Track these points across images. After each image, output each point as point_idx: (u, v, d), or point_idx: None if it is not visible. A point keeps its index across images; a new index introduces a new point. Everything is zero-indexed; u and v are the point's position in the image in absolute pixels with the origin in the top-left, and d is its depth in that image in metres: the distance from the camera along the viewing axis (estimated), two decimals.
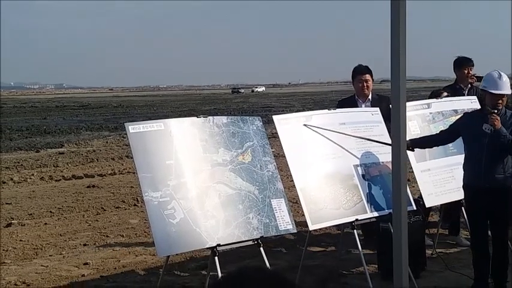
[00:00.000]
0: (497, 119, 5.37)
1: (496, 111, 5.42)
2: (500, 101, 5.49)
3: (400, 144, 2.50)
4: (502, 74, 5.54)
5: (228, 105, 56.49)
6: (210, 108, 50.60)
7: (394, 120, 2.52)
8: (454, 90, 7.57)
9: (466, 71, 7.61)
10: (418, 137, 6.30)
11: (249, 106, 53.78)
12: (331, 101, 56.37)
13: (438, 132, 6.19)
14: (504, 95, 5.48)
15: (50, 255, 7.75)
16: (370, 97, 7.23)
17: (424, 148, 6.25)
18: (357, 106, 7.04)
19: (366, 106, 7.07)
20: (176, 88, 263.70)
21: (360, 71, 7.28)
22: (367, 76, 7.20)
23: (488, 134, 5.41)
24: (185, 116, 5.90)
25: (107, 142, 22.46)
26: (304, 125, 5.99)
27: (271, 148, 9.70)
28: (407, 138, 6.15)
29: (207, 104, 62.62)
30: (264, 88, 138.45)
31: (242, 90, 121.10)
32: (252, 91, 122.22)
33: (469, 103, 6.97)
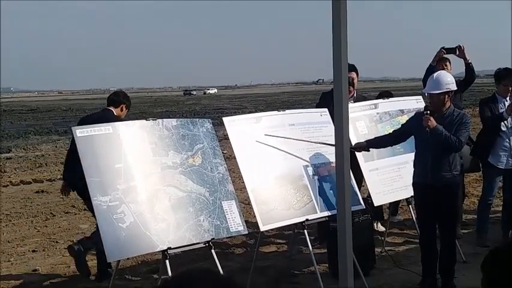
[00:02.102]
0: (429, 119, 5.51)
1: (428, 111, 5.57)
2: (430, 101, 5.67)
3: (343, 145, 2.54)
4: (436, 74, 5.72)
5: (180, 108, 56.17)
6: (162, 111, 50.21)
7: (337, 121, 2.56)
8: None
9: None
10: (365, 137, 6.41)
11: (201, 108, 53.64)
12: (282, 102, 56.75)
13: (391, 132, 6.30)
14: (433, 94, 5.62)
15: None
16: (355, 95, 7.33)
17: (379, 148, 6.36)
18: None
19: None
20: (127, 90, 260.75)
21: None
22: (353, 74, 7.28)
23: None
24: (136, 119, 5.85)
25: (56, 146, 22.06)
26: (266, 134, 6.01)
27: (224, 150, 9.71)
28: (356, 141, 6.32)
29: (158, 106, 62.13)
30: (216, 90, 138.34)
31: (194, 92, 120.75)
32: (204, 93, 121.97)
33: (415, 103, 7.13)
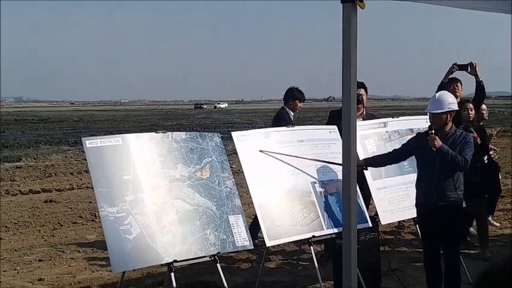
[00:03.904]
0: (435, 139, 5.50)
1: (432, 131, 5.56)
2: (432, 120, 5.66)
3: (350, 164, 2.55)
4: (438, 93, 5.73)
5: (190, 121, 56.35)
6: (172, 124, 50.39)
7: (344, 139, 2.57)
8: None
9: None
10: (374, 155, 6.41)
11: (212, 122, 53.78)
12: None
13: (391, 151, 6.29)
14: (435, 114, 5.62)
15: (4, 271, 7.60)
16: (364, 113, 7.36)
17: (377, 167, 6.34)
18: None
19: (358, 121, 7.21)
20: (138, 103, 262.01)
21: None
22: (362, 91, 7.33)
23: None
24: (146, 131, 5.90)
25: (65, 156, 22.17)
26: (260, 150, 6.03)
27: (233, 164, 9.72)
28: (361, 158, 6.32)
29: (169, 119, 62.36)
30: (226, 104, 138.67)
31: (205, 106, 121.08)
32: (215, 107, 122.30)
33: (425, 122, 7.11)
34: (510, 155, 16.67)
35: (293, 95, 8.14)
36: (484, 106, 8.21)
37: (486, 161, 7.58)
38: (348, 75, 2.49)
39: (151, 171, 5.39)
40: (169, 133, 5.70)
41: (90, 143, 5.20)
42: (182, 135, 5.79)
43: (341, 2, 2.46)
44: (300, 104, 8.21)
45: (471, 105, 7.42)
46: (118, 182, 5.14)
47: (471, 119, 7.35)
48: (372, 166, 6.23)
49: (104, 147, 5.22)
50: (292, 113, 8.08)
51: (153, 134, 5.62)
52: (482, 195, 7.74)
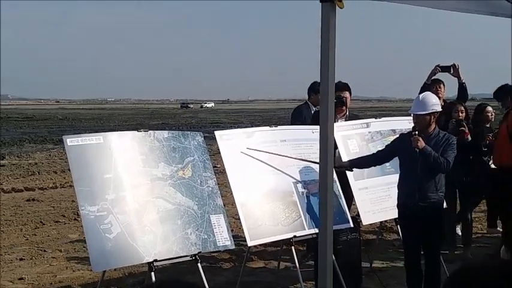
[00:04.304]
0: (418, 140, 5.53)
1: (416, 132, 5.58)
2: (416, 121, 5.69)
3: (327, 163, 2.55)
4: (422, 95, 5.75)
5: (176, 120, 56.22)
6: (158, 123, 50.25)
7: (322, 139, 2.57)
8: None
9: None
10: (356, 155, 6.43)
11: (198, 121, 53.70)
12: (279, 119, 56.76)
13: (375, 152, 6.31)
14: (419, 115, 5.65)
15: None
16: (347, 114, 7.39)
17: (362, 168, 6.36)
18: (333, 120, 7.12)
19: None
20: (124, 102, 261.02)
21: (339, 88, 7.44)
22: (346, 93, 7.36)
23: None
24: (132, 130, 5.87)
25: (49, 155, 22.02)
26: (247, 148, 6.03)
27: (217, 164, 9.68)
28: (347, 159, 6.34)
29: (155, 118, 62.18)
30: (213, 104, 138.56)
31: (191, 106, 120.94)
32: (201, 107, 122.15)
33: (407, 123, 7.14)
34: None
35: (315, 88, 8.03)
36: (489, 108, 8.17)
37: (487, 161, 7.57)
38: (326, 75, 2.49)
39: (133, 170, 5.36)
40: (152, 132, 5.68)
41: (71, 141, 5.17)
42: (164, 134, 5.77)
43: (320, 2, 2.47)
44: None
45: (462, 108, 7.43)
46: (99, 180, 5.12)
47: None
48: (356, 167, 6.24)
49: (85, 145, 5.19)
50: (314, 108, 8.03)
51: (135, 132, 5.59)
52: (469, 195, 7.76)
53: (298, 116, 8.02)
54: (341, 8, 2.39)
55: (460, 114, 7.40)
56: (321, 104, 2.53)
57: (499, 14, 4.30)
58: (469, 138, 7.11)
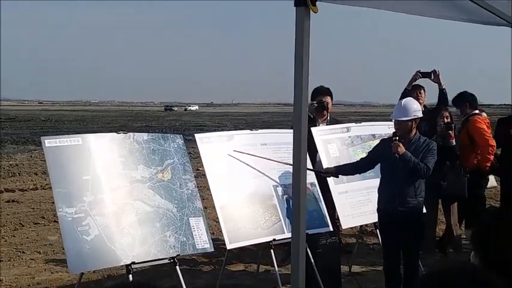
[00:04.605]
0: (398, 145, 5.56)
1: (397, 137, 5.62)
2: (397, 127, 5.72)
3: (300, 166, 2.57)
4: (403, 100, 5.78)
5: (160, 123, 56.06)
6: (142, 125, 50.08)
7: (295, 141, 2.59)
8: None
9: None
10: (336, 159, 6.47)
11: (182, 124, 53.57)
12: (263, 122, 56.85)
13: (359, 159, 6.34)
14: (399, 121, 5.69)
15: None
16: (328, 118, 7.41)
17: (348, 175, 6.39)
18: (314, 124, 7.10)
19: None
20: (108, 104, 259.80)
21: (320, 92, 7.46)
22: (327, 98, 7.42)
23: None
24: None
25: (31, 156, 21.85)
26: (234, 151, 6.04)
27: (200, 167, 9.63)
28: (327, 163, 6.37)
29: (138, 120, 61.97)
30: (197, 107, 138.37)
31: (175, 108, 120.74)
32: (185, 109, 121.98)
33: (387, 128, 7.19)
34: None
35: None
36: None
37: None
38: (299, 79, 2.50)
39: (112, 172, 5.34)
40: (131, 134, 5.66)
41: (49, 142, 5.14)
42: (144, 136, 5.75)
43: (294, 6, 2.48)
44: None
45: (447, 113, 7.47)
46: (77, 182, 5.09)
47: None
48: (342, 174, 6.28)
49: (63, 146, 5.17)
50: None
51: (114, 134, 5.58)
52: (449, 201, 7.82)
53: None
54: (315, 13, 2.40)
55: (446, 120, 7.45)
56: (294, 107, 2.54)
57: (483, 22, 4.33)
58: (454, 143, 7.17)
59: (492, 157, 7.67)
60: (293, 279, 2.70)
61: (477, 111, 7.86)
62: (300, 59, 2.46)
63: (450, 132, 7.12)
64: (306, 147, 2.75)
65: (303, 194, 2.64)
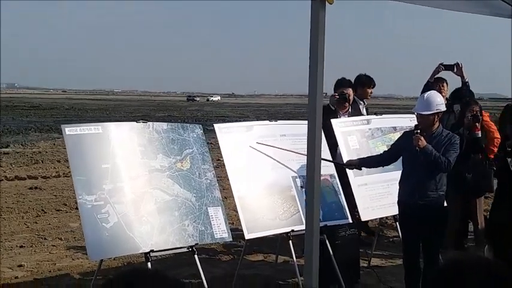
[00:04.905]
0: (419, 139, 5.50)
1: (418, 130, 5.55)
2: (420, 120, 5.67)
3: (315, 157, 2.56)
4: (426, 94, 5.71)
5: (182, 113, 56.22)
6: (164, 115, 50.27)
7: (310, 133, 2.58)
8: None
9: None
10: (356, 152, 6.44)
11: (203, 115, 53.68)
12: (285, 114, 56.74)
13: (382, 152, 6.30)
14: (421, 115, 5.63)
15: None
16: (350, 110, 7.47)
17: (371, 167, 6.35)
18: (336, 116, 7.11)
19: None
20: (131, 93, 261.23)
21: (342, 84, 7.46)
22: (349, 90, 7.45)
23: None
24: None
25: (54, 144, 22.08)
26: (257, 143, 6.05)
27: (220, 157, 9.67)
28: (347, 155, 6.34)
29: (161, 110, 62.21)
30: (219, 97, 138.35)
31: (197, 99, 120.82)
32: (207, 100, 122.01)
33: (408, 121, 7.13)
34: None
35: (361, 82, 8.05)
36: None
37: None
38: (314, 71, 2.49)
39: (131, 160, 5.37)
40: (150, 123, 5.69)
41: (69, 130, 5.20)
42: (163, 125, 5.78)
43: None
44: (370, 91, 8.12)
45: (477, 107, 7.31)
46: (97, 170, 5.14)
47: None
48: (365, 167, 6.24)
49: (84, 135, 5.21)
50: (362, 102, 8.03)
51: (134, 123, 5.61)
52: (474, 194, 7.69)
53: None
54: (330, 4, 2.38)
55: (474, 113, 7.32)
56: (309, 98, 2.53)
57: (500, 14, 4.28)
58: (479, 134, 7.08)
59: (496, 149, 7.52)
60: (306, 271, 2.70)
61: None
62: (315, 51, 2.45)
63: (477, 124, 7.03)
64: (320, 138, 2.74)
65: (317, 185, 2.63)
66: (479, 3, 4.22)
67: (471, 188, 7.42)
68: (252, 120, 7.08)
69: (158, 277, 1.37)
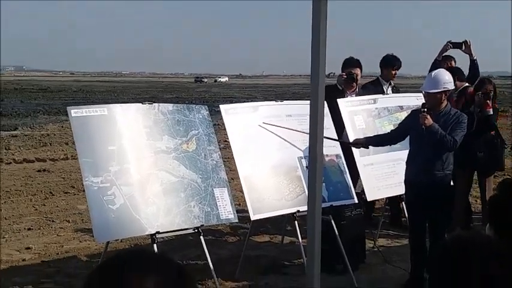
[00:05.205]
0: (426, 117, 5.47)
1: (425, 109, 5.52)
2: (427, 99, 5.64)
3: (317, 137, 2.55)
4: (434, 72, 5.68)
5: (190, 94, 56.18)
6: (172, 97, 50.22)
7: (312, 114, 2.56)
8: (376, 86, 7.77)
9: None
10: (362, 131, 6.42)
11: (211, 96, 53.60)
12: (293, 94, 56.58)
13: (390, 131, 6.28)
14: (429, 93, 5.60)
15: None
16: (357, 90, 7.41)
17: (377, 146, 6.33)
18: (343, 96, 7.08)
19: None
20: (139, 75, 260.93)
21: (350, 64, 7.38)
22: (357, 70, 7.34)
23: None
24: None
25: (62, 126, 22.12)
26: (263, 123, 6.03)
27: (228, 138, 9.66)
28: (353, 135, 6.32)
29: (168, 92, 62.17)
30: (227, 78, 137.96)
31: (205, 80, 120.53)
32: (215, 81, 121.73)
33: (415, 100, 7.09)
34: (507, 135, 16.62)
35: (385, 62, 7.93)
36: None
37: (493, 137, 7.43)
38: (316, 52, 2.46)
39: (137, 142, 5.37)
40: (156, 104, 5.67)
41: (75, 112, 5.19)
42: (169, 107, 5.76)
43: None
44: (395, 72, 7.91)
45: (491, 86, 7.20)
46: (103, 152, 5.14)
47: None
48: (372, 145, 6.23)
49: (90, 116, 5.21)
50: (387, 83, 7.90)
51: (139, 105, 5.59)
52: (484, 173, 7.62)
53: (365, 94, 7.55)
54: None
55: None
56: (311, 76, 2.51)
57: None
58: (491, 112, 7.01)
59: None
60: (309, 250, 2.69)
61: (467, 84, 7.55)
62: (316, 30, 2.42)
63: (488, 101, 6.96)
64: (322, 117, 2.72)
65: (319, 164, 2.63)
66: None
67: (481, 167, 7.36)
68: (260, 101, 7.05)
69: (145, 256, 1.36)
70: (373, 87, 7.75)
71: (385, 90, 7.74)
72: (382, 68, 7.92)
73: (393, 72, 7.86)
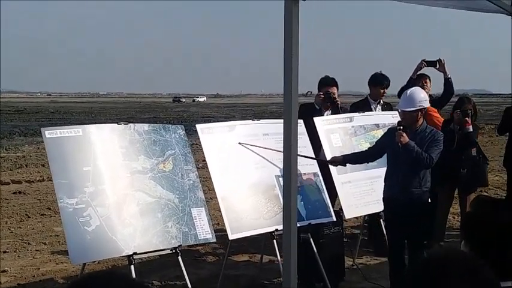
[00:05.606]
0: (401, 135, 5.52)
1: (401, 127, 5.57)
2: (403, 117, 5.70)
3: (291, 155, 2.54)
4: (409, 90, 5.74)
5: (168, 114, 56.02)
6: (150, 117, 50.04)
7: (285, 131, 2.56)
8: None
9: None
10: (339, 149, 6.44)
11: (189, 115, 53.52)
12: (271, 113, 56.67)
13: (367, 148, 6.31)
14: (404, 111, 5.66)
15: None
16: (339, 106, 7.33)
17: (355, 164, 6.34)
18: (320, 115, 7.05)
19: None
20: (116, 95, 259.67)
21: (327, 83, 7.33)
22: (334, 89, 7.23)
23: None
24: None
25: (38, 148, 21.85)
26: (239, 143, 6.02)
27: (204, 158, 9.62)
28: (330, 153, 6.34)
29: (147, 112, 61.94)
30: (205, 98, 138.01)
31: (183, 100, 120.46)
32: (193, 101, 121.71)
33: (391, 118, 7.15)
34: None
35: (374, 81, 7.82)
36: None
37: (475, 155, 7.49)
38: (289, 67, 2.47)
39: (113, 162, 5.33)
40: (132, 124, 5.64)
41: (49, 133, 5.13)
42: (145, 127, 5.73)
43: None
44: (383, 91, 7.79)
45: (470, 106, 7.27)
46: (78, 173, 5.08)
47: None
48: (350, 163, 6.24)
49: (64, 137, 5.15)
50: (375, 102, 7.79)
51: (115, 125, 5.55)
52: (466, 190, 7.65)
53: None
54: (304, 0, 2.36)
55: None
56: (284, 95, 2.51)
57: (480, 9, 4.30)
58: (470, 129, 7.09)
59: None
60: (284, 270, 2.68)
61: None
62: (289, 49, 2.43)
63: (467, 118, 7.04)
64: (296, 136, 2.73)
65: (294, 183, 2.62)
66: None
67: (463, 184, 7.43)
68: (237, 120, 7.03)
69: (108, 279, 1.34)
70: (362, 106, 7.73)
71: (373, 109, 7.70)
72: (371, 86, 7.87)
73: (381, 91, 7.80)
